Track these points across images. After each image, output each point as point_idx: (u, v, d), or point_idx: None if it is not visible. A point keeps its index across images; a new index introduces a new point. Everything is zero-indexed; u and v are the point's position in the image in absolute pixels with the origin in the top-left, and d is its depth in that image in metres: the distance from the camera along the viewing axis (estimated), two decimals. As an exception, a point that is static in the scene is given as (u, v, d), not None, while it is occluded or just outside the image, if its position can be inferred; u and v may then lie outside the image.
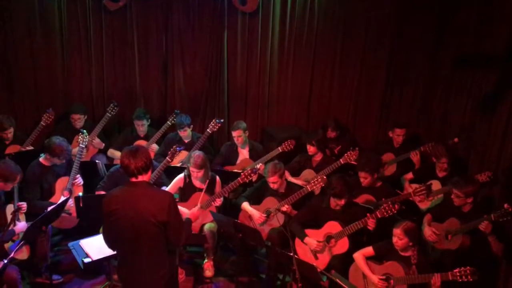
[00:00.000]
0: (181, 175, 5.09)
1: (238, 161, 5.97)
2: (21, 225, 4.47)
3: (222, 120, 5.95)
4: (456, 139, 5.77)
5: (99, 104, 6.90)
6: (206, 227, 4.96)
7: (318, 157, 5.78)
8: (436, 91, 6.43)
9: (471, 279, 3.78)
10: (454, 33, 6.04)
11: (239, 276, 4.98)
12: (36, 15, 6.41)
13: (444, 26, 6.20)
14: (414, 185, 5.29)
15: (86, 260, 3.92)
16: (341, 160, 5.43)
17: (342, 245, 4.58)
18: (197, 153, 4.94)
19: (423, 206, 5.24)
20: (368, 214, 4.43)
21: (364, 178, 5.08)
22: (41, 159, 5.13)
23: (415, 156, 5.76)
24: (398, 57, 6.60)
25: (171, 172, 5.32)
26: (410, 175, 5.68)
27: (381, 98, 6.84)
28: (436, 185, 5.21)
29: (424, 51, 6.44)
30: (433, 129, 6.47)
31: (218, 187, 5.09)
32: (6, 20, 6.32)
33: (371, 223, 4.42)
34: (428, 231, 4.68)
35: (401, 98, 6.79)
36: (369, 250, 4.37)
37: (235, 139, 5.92)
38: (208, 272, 4.96)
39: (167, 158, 5.13)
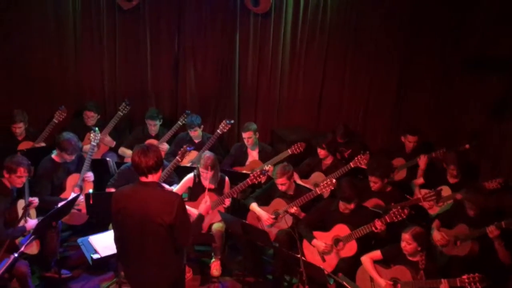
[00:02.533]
0: (191, 175, 5.11)
1: (247, 162, 5.99)
2: (32, 222, 4.51)
3: (232, 121, 5.96)
4: (467, 145, 5.72)
5: (111, 103, 6.95)
6: (214, 226, 4.97)
7: (328, 160, 5.77)
8: (448, 95, 6.38)
9: (479, 287, 3.74)
10: (467, 37, 6.01)
11: (246, 277, 4.99)
12: (51, 13, 6.48)
13: (457, 31, 6.17)
14: (424, 191, 5.26)
15: (95, 256, 3.93)
16: (351, 163, 5.41)
17: (350, 248, 4.57)
18: (207, 154, 4.96)
19: (433, 211, 5.21)
20: (376, 220, 4.42)
21: (374, 183, 5.06)
22: (53, 156, 5.20)
23: (423, 160, 5.72)
24: (410, 61, 6.57)
25: (181, 172, 5.35)
26: (420, 180, 5.65)
27: (393, 102, 6.80)
28: (446, 191, 5.17)
29: (436, 55, 6.40)
30: (444, 135, 6.43)
31: (227, 188, 5.11)
32: (21, 19, 6.39)
33: (378, 225, 4.39)
34: (437, 235, 4.66)
35: (413, 102, 6.75)
36: (377, 253, 4.36)
37: (245, 141, 5.93)
38: (215, 271, 4.97)
39: (177, 157, 5.15)
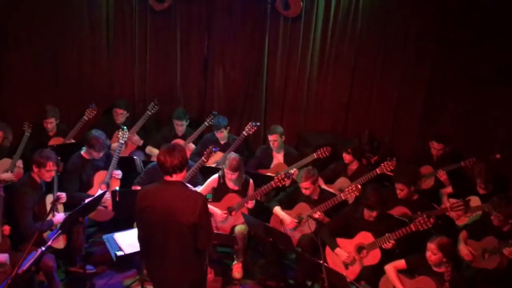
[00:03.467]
0: (216, 176, 5.14)
1: (272, 165, 5.98)
2: (59, 216, 4.61)
3: (258, 123, 5.96)
4: (498, 155, 5.57)
5: (140, 102, 7.04)
6: (237, 228, 4.98)
7: (354, 166, 5.70)
8: (479, 104, 6.24)
9: (507, 301, 3.64)
10: (498, 45, 5.87)
11: (268, 280, 4.97)
12: (85, 13, 6.62)
13: (488, 38, 6.03)
14: (452, 200, 5.14)
15: (119, 253, 4.00)
16: (377, 170, 5.33)
17: (373, 256, 4.51)
18: (232, 156, 4.98)
19: (460, 222, 5.08)
20: (386, 234, 4.37)
21: (401, 190, 4.98)
22: (82, 152, 5.30)
23: (442, 176, 5.61)
24: (440, 69, 6.45)
25: (206, 172, 5.38)
26: (449, 189, 5.53)
27: (421, 110, 6.69)
28: (475, 201, 5.04)
29: (467, 64, 6.27)
30: (474, 143, 6.27)
31: (251, 190, 5.11)
32: (55, 17, 6.53)
33: (387, 246, 4.38)
34: (464, 250, 4.55)
35: (442, 110, 6.62)
36: (401, 263, 4.28)
37: (271, 143, 5.92)
38: (237, 274, 4.98)
39: (202, 158, 5.18)
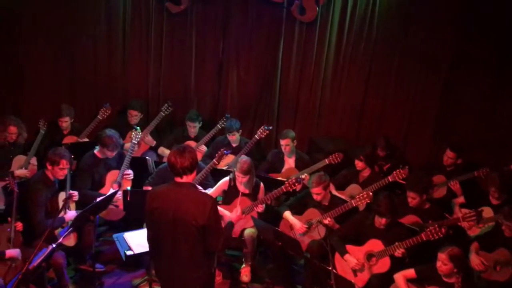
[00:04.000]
0: (227, 178, 5.14)
1: (283, 170, 5.96)
2: (71, 214, 4.66)
3: (270, 127, 5.97)
4: (512, 166, 5.51)
5: (154, 103, 7.09)
6: (247, 232, 4.97)
7: (366, 173, 5.67)
8: (496, 113, 6.17)
9: (519, 315, 3.58)
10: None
11: (275, 285, 4.95)
12: (102, 14, 6.70)
13: (509, 46, 5.95)
14: (464, 210, 5.08)
15: (128, 252, 4.01)
16: (389, 177, 5.30)
17: (383, 264, 4.47)
18: (244, 159, 4.98)
19: (472, 233, 5.02)
20: (396, 243, 4.34)
21: (412, 199, 4.94)
22: (95, 151, 5.34)
23: (454, 185, 5.55)
24: (456, 76, 6.38)
25: (217, 175, 5.39)
26: (461, 199, 5.47)
27: (436, 118, 6.63)
28: (487, 212, 4.98)
29: (484, 71, 6.21)
30: (490, 153, 6.20)
31: (261, 193, 5.10)
32: (73, 17, 6.61)
33: (397, 254, 4.34)
34: (475, 260, 4.48)
35: (458, 118, 6.55)
36: (410, 272, 4.24)
37: (282, 148, 5.91)
38: (245, 277, 4.97)
39: (214, 160, 5.21)
